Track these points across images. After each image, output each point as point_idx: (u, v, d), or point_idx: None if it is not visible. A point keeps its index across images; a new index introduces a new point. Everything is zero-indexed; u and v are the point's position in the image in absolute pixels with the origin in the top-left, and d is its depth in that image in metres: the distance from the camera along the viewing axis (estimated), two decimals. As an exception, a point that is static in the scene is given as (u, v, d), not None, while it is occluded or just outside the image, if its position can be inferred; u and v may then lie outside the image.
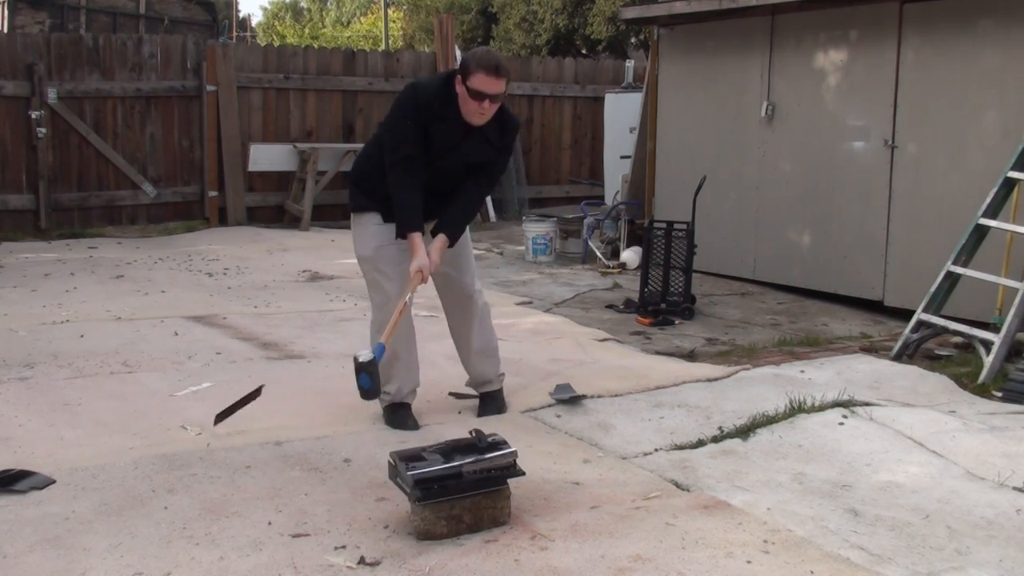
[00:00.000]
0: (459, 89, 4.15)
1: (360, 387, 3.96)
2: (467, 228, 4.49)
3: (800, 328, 6.84)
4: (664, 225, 7.48)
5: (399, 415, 4.47)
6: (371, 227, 4.38)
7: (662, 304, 7.18)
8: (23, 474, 3.70)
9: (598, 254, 9.50)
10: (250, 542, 3.21)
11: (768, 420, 4.49)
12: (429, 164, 4.26)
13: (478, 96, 4.10)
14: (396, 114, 4.28)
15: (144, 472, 3.79)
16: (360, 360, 3.92)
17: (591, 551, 3.11)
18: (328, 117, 11.85)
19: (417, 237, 4.18)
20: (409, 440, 4.20)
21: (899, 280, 7.33)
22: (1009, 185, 5.90)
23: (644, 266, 7.42)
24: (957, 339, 5.99)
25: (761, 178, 8.41)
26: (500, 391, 4.73)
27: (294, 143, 11.51)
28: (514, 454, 3.41)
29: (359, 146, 11.59)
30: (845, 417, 4.50)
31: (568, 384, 4.95)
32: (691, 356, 5.92)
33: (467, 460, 3.33)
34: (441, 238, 4.28)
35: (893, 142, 7.34)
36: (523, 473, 3.42)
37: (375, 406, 4.70)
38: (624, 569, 3.01)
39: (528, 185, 12.91)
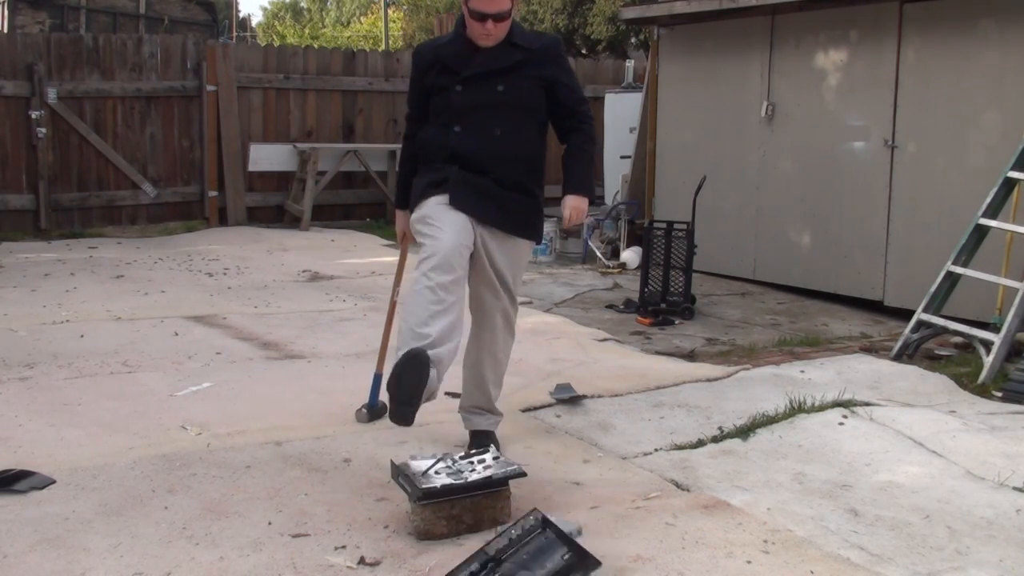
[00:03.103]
0: (464, 10, 3.89)
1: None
2: (528, 242, 4.04)
3: (800, 328, 6.84)
4: (664, 225, 7.48)
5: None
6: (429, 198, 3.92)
7: (662, 304, 7.18)
8: (23, 474, 3.70)
9: (598, 254, 9.50)
10: (250, 542, 3.21)
11: (768, 420, 4.49)
12: (461, 94, 3.91)
13: (479, 17, 3.82)
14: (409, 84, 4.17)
15: (144, 472, 3.79)
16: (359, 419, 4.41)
17: (591, 551, 3.11)
18: (328, 117, 11.85)
19: (400, 214, 4.23)
20: (408, 440, 4.20)
21: (899, 280, 7.33)
22: (1009, 185, 5.90)
23: (644, 266, 7.42)
24: (957, 339, 5.99)
25: (761, 178, 8.41)
26: (490, 434, 4.09)
27: (294, 143, 11.50)
28: (517, 469, 3.41)
29: (359, 146, 11.63)
30: (845, 417, 4.50)
31: (568, 384, 4.95)
32: (691, 356, 5.92)
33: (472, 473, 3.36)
34: (572, 198, 3.95)
35: (893, 142, 7.34)
36: (524, 474, 3.42)
37: (375, 406, 4.72)
38: (624, 569, 3.01)
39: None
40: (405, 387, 3.49)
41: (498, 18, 3.82)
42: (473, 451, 3.55)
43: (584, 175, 4.02)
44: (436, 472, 3.33)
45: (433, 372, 3.53)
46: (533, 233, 4.03)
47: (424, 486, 3.23)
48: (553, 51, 4.03)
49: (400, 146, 11.33)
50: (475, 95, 3.90)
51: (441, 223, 3.76)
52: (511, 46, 3.93)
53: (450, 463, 3.40)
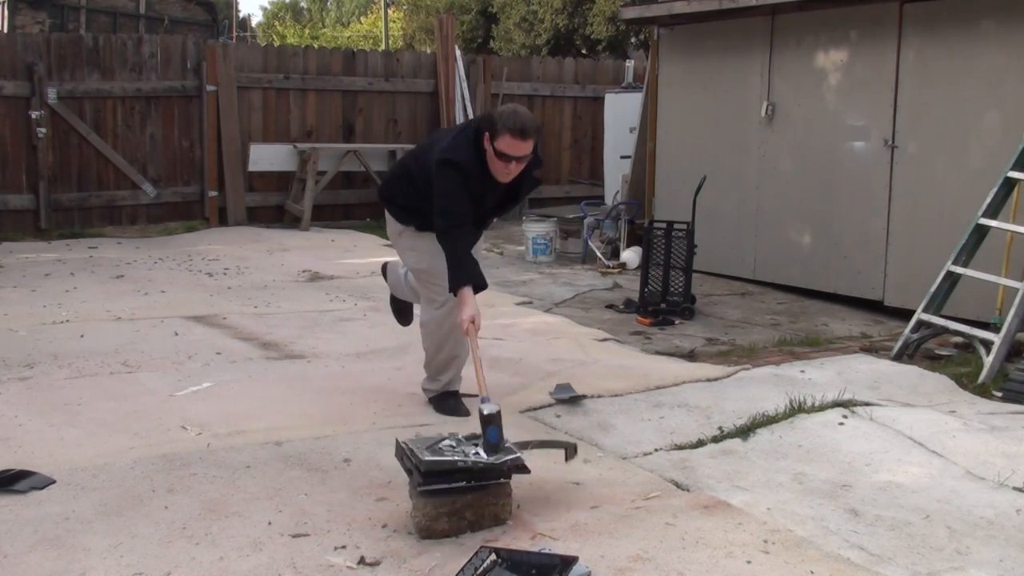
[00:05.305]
0: (487, 146, 4.14)
1: (488, 442, 3.53)
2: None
3: (800, 328, 6.84)
4: (664, 225, 7.48)
5: (451, 402, 4.68)
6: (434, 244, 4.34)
7: (662, 304, 7.18)
8: (23, 474, 3.70)
9: (598, 254, 9.50)
10: (250, 542, 3.21)
11: (768, 420, 4.49)
12: (481, 221, 4.49)
13: (505, 158, 4.12)
14: (451, 185, 4.19)
15: (144, 472, 3.79)
16: (486, 412, 3.55)
17: (591, 551, 3.11)
18: (328, 117, 11.85)
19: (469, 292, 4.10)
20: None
21: (899, 280, 7.33)
22: (1009, 185, 5.90)
23: (644, 266, 7.42)
24: (957, 339, 5.99)
25: (761, 178, 8.40)
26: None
27: (294, 143, 11.50)
28: (519, 460, 3.41)
29: (359, 146, 11.63)
30: (845, 417, 4.50)
31: (568, 384, 4.95)
32: (691, 356, 5.92)
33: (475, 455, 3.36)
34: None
35: (893, 142, 7.34)
36: (528, 471, 3.42)
37: (374, 406, 4.72)
38: (624, 569, 3.01)
39: (528, 185, 12.89)
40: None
41: (520, 160, 4.16)
42: (478, 435, 3.54)
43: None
44: (440, 448, 3.35)
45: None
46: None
47: (428, 458, 3.24)
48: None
49: (399, 147, 11.29)
50: (487, 207, 4.54)
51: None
52: (524, 172, 4.36)
53: (455, 442, 3.41)
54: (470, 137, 4.23)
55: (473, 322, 4.00)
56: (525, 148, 4.09)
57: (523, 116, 4.10)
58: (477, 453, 3.35)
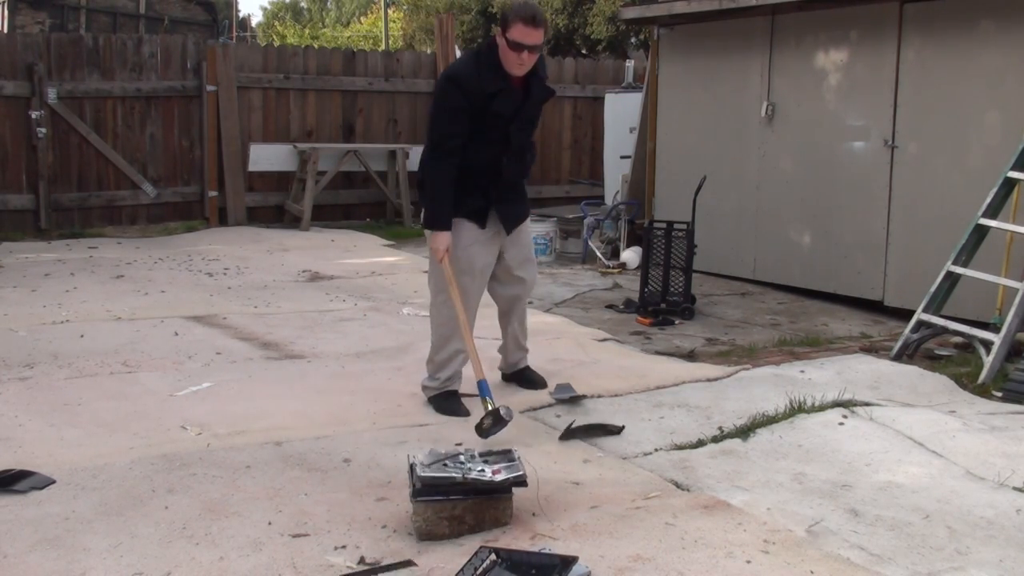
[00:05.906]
0: (499, 41, 4.34)
1: (489, 433, 4.12)
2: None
3: (800, 328, 6.84)
4: (664, 225, 7.47)
5: (451, 402, 4.69)
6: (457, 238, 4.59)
7: (662, 304, 7.18)
8: (23, 474, 3.70)
9: (598, 254, 9.50)
10: (250, 542, 3.21)
11: (768, 420, 4.49)
12: (506, 141, 4.51)
13: (517, 47, 4.28)
14: (441, 108, 4.42)
15: (144, 472, 3.80)
16: (502, 414, 4.14)
17: (591, 551, 3.11)
18: (328, 117, 11.84)
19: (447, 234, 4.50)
20: (408, 440, 4.21)
21: (899, 280, 7.33)
22: (1009, 185, 5.90)
23: (644, 266, 7.42)
24: (957, 339, 5.99)
25: (761, 178, 8.40)
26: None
27: (294, 143, 11.50)
28: (522, 477, 3.41)
29: (359, 146, 11.62)
30: (845, 417, 4.50)
31: (568, 384, 4.95)
32: (691, 356, 5.91)
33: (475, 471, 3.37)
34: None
35: (893, 142, 7.34)
36: (526, 485, 3.41)
37: (374, 406, 4.72)
38: (624, 569, 3.01)
39: (528, 185, 12.89)
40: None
41: (533, 49, 4.32)
42: (494, 452, 3.55)
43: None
44: (445, 464, 3.34)
45: None
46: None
47: (423, 474, 3.25)
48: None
49: (399, 147, 11.28)
50: (521, 136, 4.76)
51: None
52: (543, 84, 4.66)
53: (466, 458, 3.41)
54: (472, 53, 4.50)
55: (447, 251, 4.48)
56: (536, 36, 4.28)
57: (533, 5, 4.36)
58: (482, 471, 3.34)
